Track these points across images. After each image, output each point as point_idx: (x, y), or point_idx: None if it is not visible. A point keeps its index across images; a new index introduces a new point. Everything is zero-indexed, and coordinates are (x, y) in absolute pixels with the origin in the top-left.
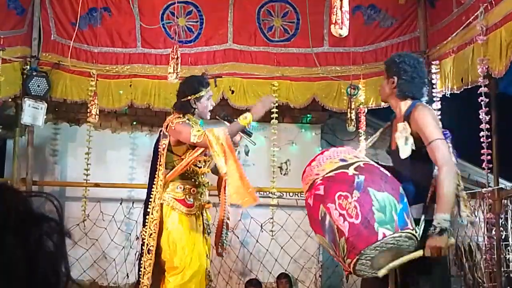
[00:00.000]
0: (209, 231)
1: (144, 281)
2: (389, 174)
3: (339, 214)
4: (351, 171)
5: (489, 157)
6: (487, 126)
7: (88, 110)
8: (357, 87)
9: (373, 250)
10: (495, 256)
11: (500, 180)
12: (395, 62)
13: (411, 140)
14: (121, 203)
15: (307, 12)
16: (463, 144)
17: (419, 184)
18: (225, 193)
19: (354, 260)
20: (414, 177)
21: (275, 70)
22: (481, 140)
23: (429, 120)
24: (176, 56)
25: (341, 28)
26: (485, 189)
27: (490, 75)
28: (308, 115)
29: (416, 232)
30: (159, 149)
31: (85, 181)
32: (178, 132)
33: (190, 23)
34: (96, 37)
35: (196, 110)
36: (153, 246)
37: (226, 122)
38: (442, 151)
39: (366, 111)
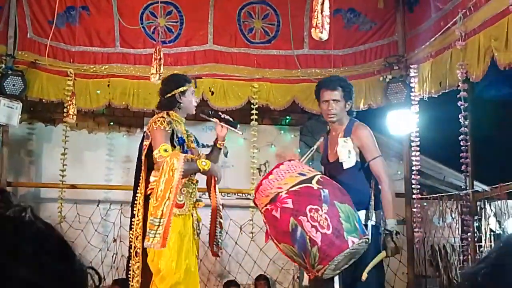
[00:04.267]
0: (199, 231)
1: (134, 285)
2: (340, 186)
3: (312, 226)
4: (315, 185)
5: (467, 160)
6: (465, 129)
7: (65, 110)
8: None
9: (342, 256)
10: (470, 257)
11: (475, 182)
12: (350, 88)
13: (353, 153)
14: (98, 205)
15: (288, 14)
16: (438, 147)
17: (361, 193)
18: (215, 193)
19: (326, 266)
20: (357, 186)
21: (255, 71)
22: (460, 143)
23: (371, 139)
24: (159, 57)
25: (322, 32)
26: (463, 191)
27: (468, 80)
28: (287, 117)
29: (368, 236)
30: (143, 149)
31: (61, 182)
32: (152, 136)
33: (170, 23)
34: (74, 36)
35: (182, 104)
36: (139, 248)
37: (210, 118)
38: (383, 167)
39: None
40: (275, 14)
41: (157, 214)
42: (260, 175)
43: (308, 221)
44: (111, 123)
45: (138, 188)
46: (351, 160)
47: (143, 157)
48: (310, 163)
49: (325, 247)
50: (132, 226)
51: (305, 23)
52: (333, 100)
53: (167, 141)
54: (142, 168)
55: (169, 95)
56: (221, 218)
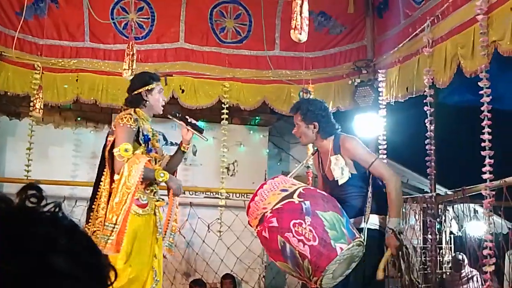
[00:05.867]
0: (160, 230)
1: None
2: (325, 193)
3: (298, 240)
4: (296, 199)
5: (432, 164)
6: (431, 134)
7: (32, 104)
8: (309, 91)
9: (334, 264)
10: (431, 258)
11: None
12: (310, 110)
13: (346, 169)
14: (63, 201)
15: (261, 15)
16: (403, 150)
17: (361, 200)
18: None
19: (320, 277)
20: (357, 195)
21: (226, 71)
22: (425, 147)
23: (360, 147)
24: (132, 52)
25: (300, 33)
26: (427, 194)
27: (434, 86)
28: (257, 117)
29: (362, 238)
30: (106, 145)
31: (25, 177)
32: (116, 133)
33: (141, 19)
34: (42, 29)
35: (148, 102)
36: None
37: (177, 120)
38: (384, 167)
39: None
40: (247, 15)
41: (113, 220)
42: (228, 174)
43: (294, 236)
44: (78, 119)
45: (101, 183)
46: (345, 176)
47: (106, 154)
48: (278, 163)
49: (315, 259)
50: (90, 221)
51: (276, 24)
52: (295, 123)
53: (130, 139)
54: (106, 164)
55: (135, 92)
56: (174, 221)
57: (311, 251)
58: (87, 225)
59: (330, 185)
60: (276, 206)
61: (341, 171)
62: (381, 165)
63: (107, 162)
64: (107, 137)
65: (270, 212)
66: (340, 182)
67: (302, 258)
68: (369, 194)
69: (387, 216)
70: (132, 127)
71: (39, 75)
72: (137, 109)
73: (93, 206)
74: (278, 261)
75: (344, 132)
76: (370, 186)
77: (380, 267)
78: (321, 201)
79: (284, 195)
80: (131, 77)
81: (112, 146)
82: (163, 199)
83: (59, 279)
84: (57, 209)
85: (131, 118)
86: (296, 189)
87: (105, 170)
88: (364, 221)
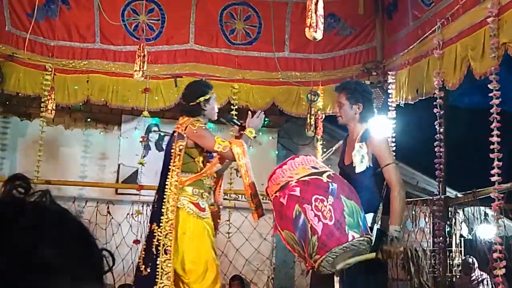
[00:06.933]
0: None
1: (164, 281)
2: (350, 185)
3: (315, 215)
4: (324, 178)
5: (441, 166)
6: (440, 136)
7: (43, 105)
8: (317, 93)
9: (341, 249)
10: (441, 260)
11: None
12: (357, 91)
13: (366, 158)
14: (73, 202)
15: (271, 17)
16: (413, 152)
17: (371, 196)
18: (219, 193)
19: (323, 256)
20: (368, 190)
21: (235, 72)
22: (435, 150)
23: (385, 146)
24: (143, 54)
25: (316, 31)
26: (436, 197)
27: (444, 88)
28: (266, 119)
29: (371, 237)
30: (172, 150)
31: (36, 178)
32: (199, 136)
33: (151, 21)
34: (53, 30)
35: (206, 111)
36: (170, 246)
37: (232, 126)
38: (396, 174)
39: (323, 117)
40: (257, 16)
41: (252, 189)
42: (237, 175)
43: (312, 209)
44: (88, 120)
45: (166, 187)
46: (363, 164)
47: (175, 158)
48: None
49: (325, 237)
50: (161, 225)
51: (286, 26)
52: (338, 102)
53: (213, 134)
54: (174, 168)
55: (193, 103)
56: (219, 218)
57: (324, 229)
58: (159, 229)
59: (345, 170)
60: (303, 178)
61: (361, 159)
62: (394, 171)
63: (175, 166)
64: (170, 142)
65: (296, 182)
66: (357, 170)
67: (312, 233)
68: (382, 196)
69: (389, 222)
70: (207, 128)
71: (51, 76)
72: (197, 117)
73: (162, 210)
74: (285, 230)
75: None
76: (385, 187)
77: (353, 260)
78: (347, 189)
79: (313, 171)
80: (142, 78)
81: (185, 151)
82: (213, 204)
83: (47, 274)
84: (44, 199)
85: (201, 123)
86: (327, 171)
87: (170, 174)
88: (376, 222)
